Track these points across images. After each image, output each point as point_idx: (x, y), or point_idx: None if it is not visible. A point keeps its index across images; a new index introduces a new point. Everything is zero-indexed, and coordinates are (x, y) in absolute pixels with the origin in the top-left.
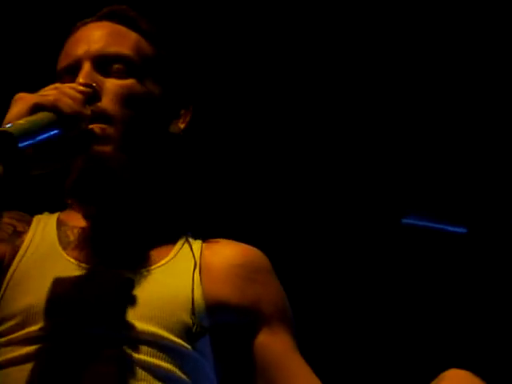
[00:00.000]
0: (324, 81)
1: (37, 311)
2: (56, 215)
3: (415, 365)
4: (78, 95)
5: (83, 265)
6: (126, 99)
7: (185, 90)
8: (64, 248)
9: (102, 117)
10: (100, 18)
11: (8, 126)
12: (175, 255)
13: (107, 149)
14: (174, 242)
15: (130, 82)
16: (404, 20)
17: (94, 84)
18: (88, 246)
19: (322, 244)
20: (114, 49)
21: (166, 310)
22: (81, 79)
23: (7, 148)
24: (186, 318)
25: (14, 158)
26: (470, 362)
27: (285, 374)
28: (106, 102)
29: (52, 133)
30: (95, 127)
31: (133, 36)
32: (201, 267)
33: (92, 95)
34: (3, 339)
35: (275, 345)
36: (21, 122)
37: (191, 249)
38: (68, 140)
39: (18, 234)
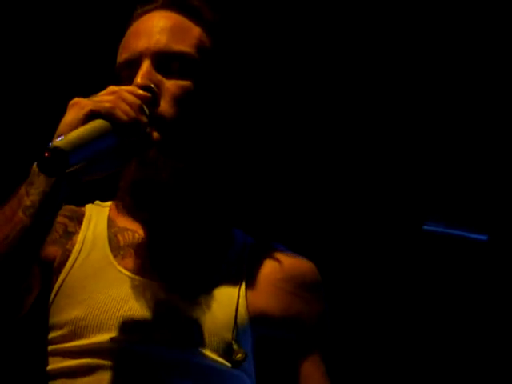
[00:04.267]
0: (342, 87)
1: (86, 324)
2: (106, 209)
3: (436, 371)
4: (136, 101)
5: (135, 277)
6: (184, 102)
7: (240, 86)
8: (115, 256)
9: (159, 122)
10: (163, 6)
11: (60, 139)
12: (223, 267)
13: (164, 155)
14: (222, 248)
15: (189, 83)
16: (405, 18)
17: (153, 86)
18: (139, 255)
19: (344, 250)
20: (175, 47)
21: (211, 330)
22: (139, 79)
23: (58, 164)
24: (229, 337)
25: (65, 173)
26: (488, 369)
27: None
28: (165, 106)
29: (106, 143)
30: (152, 132)
31: (196, 31)
32: (248, 277)
33: (151, 100)
34: (52, 347)
35: (308, 368)
36: (73, 134)
37: (239, 257)
38: (122, 147)
39: (69, 236)
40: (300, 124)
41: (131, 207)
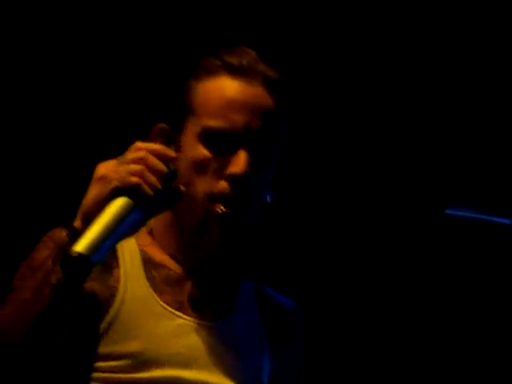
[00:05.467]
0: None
1: (145, 359)
2: (133, 240)
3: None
4: (164, 169)
5: (179, 313)
6: (256, 189)
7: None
8: (154, 291)
9: (224, 199)
10: (253, 77)
11: (83, 242)
12: (240, 304)
13: (226, 230)
14: (237, 287)
15: (265, 171)
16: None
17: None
18: (176, 292)
19: (365, 235)
20: (270, 143)
21: (249, 371)
22: (238, 170)
23: (82, 268)
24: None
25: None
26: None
27: None
28: (237, 191)
29: (132, 220)
30: (217, 207)
31: (281, 117)
32: (262, 316)
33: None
34: (105, 375)
35: None
36: (96, 231)
37: (250, 296)
38: (148, 215)
39: (109, 271)
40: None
41: (172, 250)
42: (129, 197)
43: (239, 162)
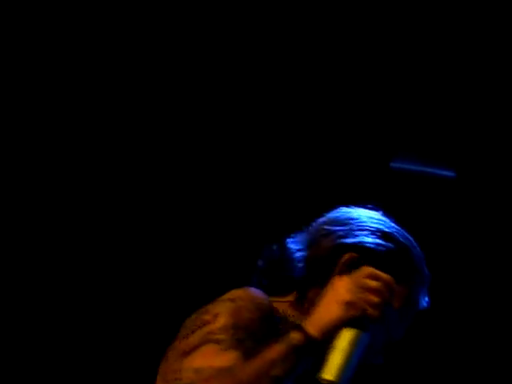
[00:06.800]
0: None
1: None
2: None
3: None
4: (389, 298)
5: None
6: None
7: None
8: None
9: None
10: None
11: (333, 370)
12: None
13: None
14: None
15: None
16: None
17: None
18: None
19: (310, 187)
20: None
21: None
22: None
23: None
24: None
25: None
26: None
27: None
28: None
29: (364, 347)
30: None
31: None
32: None
33: None
34: None
35: None
36: (344, 362)
37: None
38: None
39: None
40: None
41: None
42: (361, 323)
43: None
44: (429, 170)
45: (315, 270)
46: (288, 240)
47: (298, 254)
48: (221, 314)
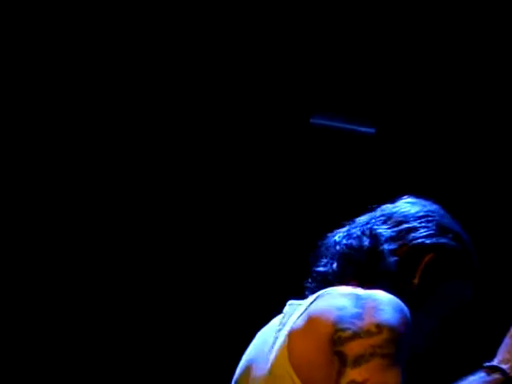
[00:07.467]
0: None
1: None
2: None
3: None
4: None
5: None
6: None
7: None
8: None
9: None
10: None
11: None
12: None
13: None
14: None
15: None
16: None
17: None
18: None
19: (224, 144)
20: None
21: None
22: None
23: None
24: None
25: None
26: None
27: None
28: None
29: None
30: None
31: None
32: None
33: None
34: None
35: None
36: None
37: None
38: None
39: None
40: None
41: None
42: None
43: None
44: (348, 126)
45: (402, 266)
46: (374, 231)
47: (387, 247)
48: (385, 325)
